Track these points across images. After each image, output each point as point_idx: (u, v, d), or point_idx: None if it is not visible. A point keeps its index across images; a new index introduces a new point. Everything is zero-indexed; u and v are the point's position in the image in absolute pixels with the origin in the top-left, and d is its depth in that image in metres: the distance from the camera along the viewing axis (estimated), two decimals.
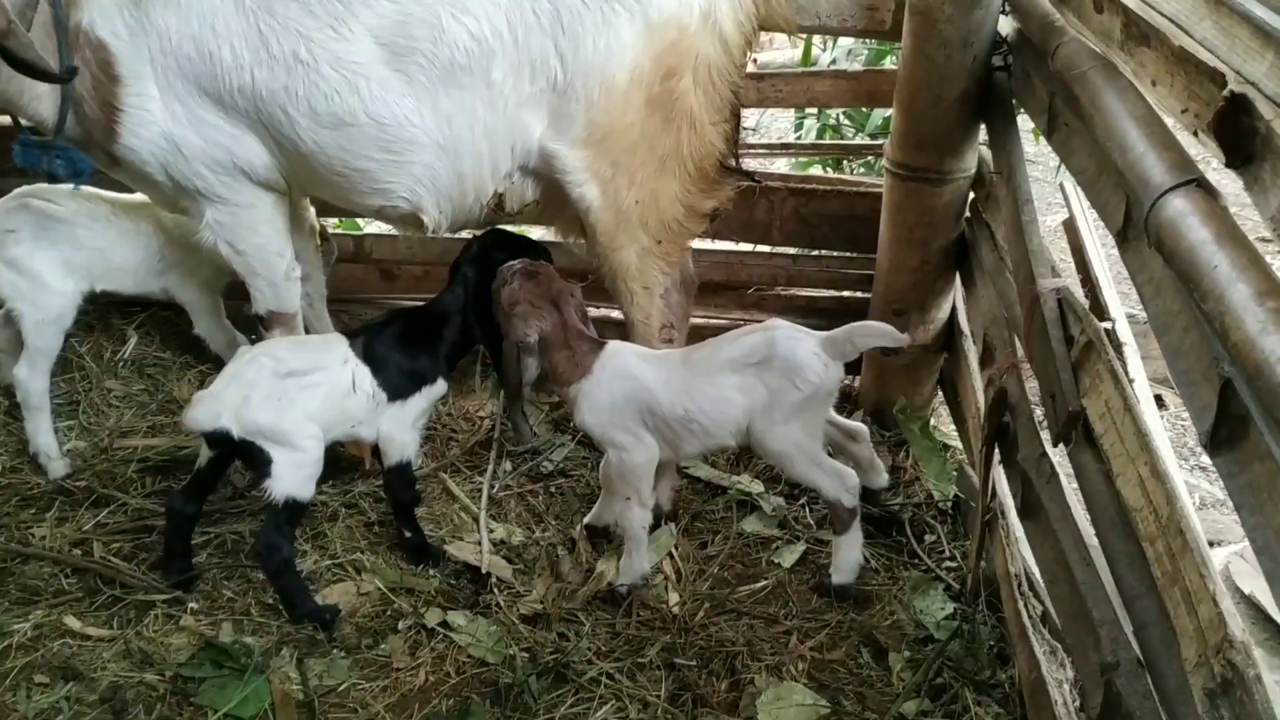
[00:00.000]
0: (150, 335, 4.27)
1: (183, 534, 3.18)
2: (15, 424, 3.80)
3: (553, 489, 3.67)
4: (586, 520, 3.41)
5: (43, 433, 3.62)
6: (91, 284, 3.64)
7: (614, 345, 3.13)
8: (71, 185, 3.38)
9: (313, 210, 3.74)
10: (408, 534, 3.32)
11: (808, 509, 3.54)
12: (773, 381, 2.96)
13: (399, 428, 3.22)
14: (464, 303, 3.23)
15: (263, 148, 3.08)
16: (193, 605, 3.12)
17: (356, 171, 3.04)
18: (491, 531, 3.44)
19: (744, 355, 3.01)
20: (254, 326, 3.57)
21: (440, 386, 3.29)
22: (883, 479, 3.38)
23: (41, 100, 3.01)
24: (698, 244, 3.70)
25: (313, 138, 2.97)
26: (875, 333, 3.03)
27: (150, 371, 4.14)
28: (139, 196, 3.64)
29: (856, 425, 3.33)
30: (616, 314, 3.66)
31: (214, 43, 2.91)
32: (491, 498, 3.61)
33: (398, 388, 3.20)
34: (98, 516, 3.46)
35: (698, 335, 3.88)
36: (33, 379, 3.56)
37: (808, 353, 2.96)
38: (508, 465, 3.79)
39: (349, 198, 3.16)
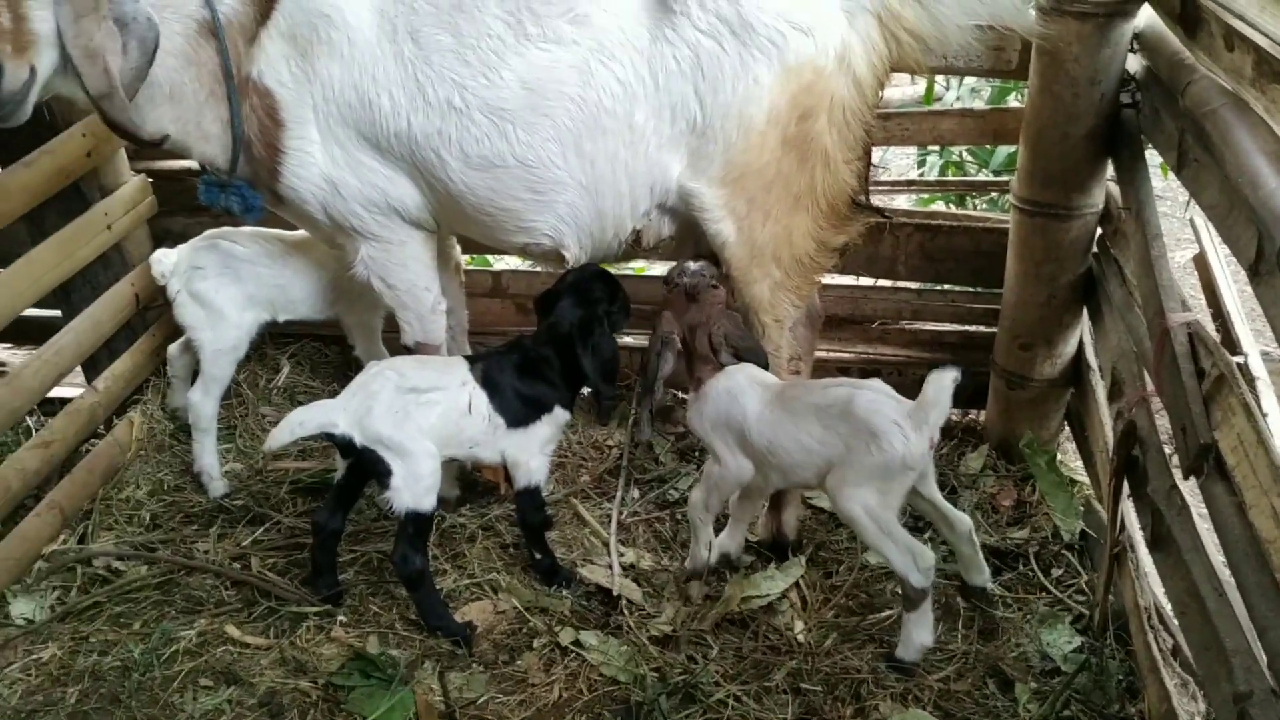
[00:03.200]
0: (301, 364, 4.54)
1: (328, 549, 3.37)
2: (179, 445, 4.09)
3: (678, 516, 3.77)
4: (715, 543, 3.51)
5: (207, 454, 3.89)
6: (274, 315, 3.93)
7: (733, 368, 3.20)
8: (250, 225, 3.63)
9: (458, 248, 3.94)
10: (538, 556, 3.45)
11: (931, 544, 3.56)
12: (850, 440, 2.94)
13: (524, 453, 3.36)
14: (573, 337, 3.31)
15: (415, 188, 3.28)
16: (341, 618, 3.31)
17: (503, 211, 3.21)
18: (621, 555, 3.56)
19: (826, 405, 3.01)
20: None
21: (562, 414, 3.41)
22: (982, 578, 3.25)
23: (209, 142, 3.26)
24: (825, 279, 3.78)
25: (463, 179, 3.15)
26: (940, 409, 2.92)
27: (301, 398, 4.38)
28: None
29: (958, 515, 3.17)
30: None
31: (374, 91, 3.12)
32: (620, 523, 3.73)
33: (516, 414, 3.33)
34: (254, 534, 3.70)
35: (821, 369, 3.97)
36: (205, 403, 3.84)
37: (886, 420, 2.89)
38: (635, 493, 3.91)
39: (495, 235, 3.33)
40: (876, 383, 3.05)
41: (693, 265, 3.23)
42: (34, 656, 3.22)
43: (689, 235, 3.35)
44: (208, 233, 3.93)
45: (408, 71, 3.08)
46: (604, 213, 3.22)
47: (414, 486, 3.11)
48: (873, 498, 2.93)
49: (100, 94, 2.83)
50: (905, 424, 2.88)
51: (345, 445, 3.13)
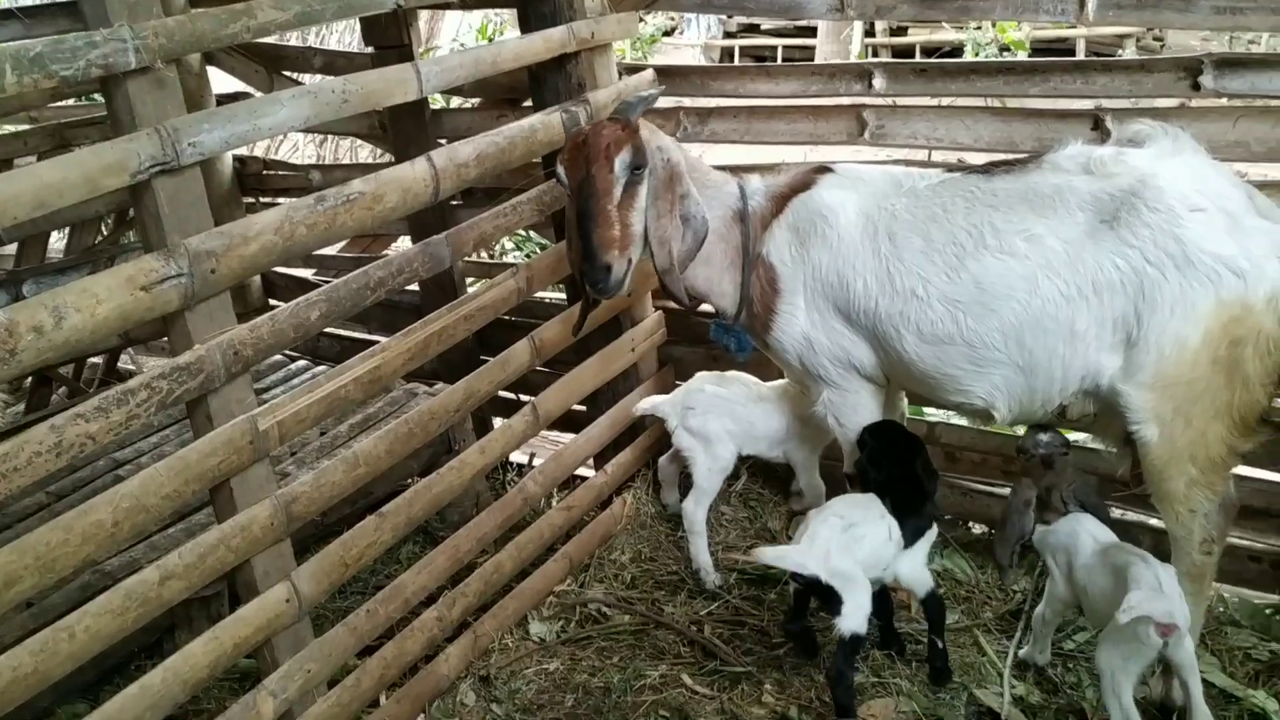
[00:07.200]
0: (756, 475, 5.42)
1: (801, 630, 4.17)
2: (657, 526, 5.10)
3: (1069, 664, 4.16)
4: None
5: (702, 554, 4.72)
6: (739, 447, 4.82)
7: (1079, 514, 3.80)
8: (741, 361, 4.56)
9: (905, 400, 4.66)
10: (940, 645, 4.00)
11: None
12: (1116, 600, 3.42)
13: (916, 568, 3.99)
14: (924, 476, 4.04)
15: (872, 352, 4.05)
16: (768, 686, 4.07)
17: (945, 376, 3.86)
18: (1013, 687, 4.03)
19: (1115, 563, 3.62)
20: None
21: (934, 531, 4.06)
22: None
23: (724, 298, 4.26)
24: (1245, 471, 4.06)
25: (915, 350, 3.86)
26: None
27: (752, 503, 5.28)
28: (777, 384, 4.84)
29: (1203, 713, 3.47)
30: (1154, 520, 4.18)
31: (852, 275, 3.94)
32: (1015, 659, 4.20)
33: (908, 538, 3.95)
34: (709, 606, 4.58)
35: (1231, 554, 4.20)
36: (696, 511, 4.72)
37: (1138, 595, 3.33)
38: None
39: (934, 393, 4.00)
40: (1162, 568, 3.45)
41: (1044, 436, 3.84)
42: (543, 667, 4.30)
43: (1107, 418, 3.81)
44: (697, 375, 4.94)
45: (881, 264, 3.88)
46: (1035, 389, 3.77)
47: (858, 614, 3.73)
48: (1116, 659, 3.40)
49: (663, 270, 3.93)
50: (1148, 606, 3.27)
51: (812, 582, 3.77)
